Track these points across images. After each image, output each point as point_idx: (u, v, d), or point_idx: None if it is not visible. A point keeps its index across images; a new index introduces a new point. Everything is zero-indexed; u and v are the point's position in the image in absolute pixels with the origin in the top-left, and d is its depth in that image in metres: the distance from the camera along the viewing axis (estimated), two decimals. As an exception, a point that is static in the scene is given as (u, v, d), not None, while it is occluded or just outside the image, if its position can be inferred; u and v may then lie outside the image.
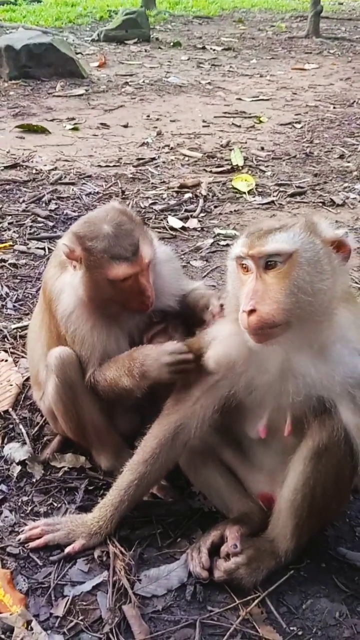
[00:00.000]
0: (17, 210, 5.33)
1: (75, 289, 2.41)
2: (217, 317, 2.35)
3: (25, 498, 2.54)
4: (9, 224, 5.07)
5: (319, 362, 2.00)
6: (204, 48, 14.86)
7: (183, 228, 5.12)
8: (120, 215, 2.41)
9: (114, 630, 2.01)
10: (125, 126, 8.08)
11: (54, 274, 2.52)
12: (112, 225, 2.35)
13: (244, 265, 1.99)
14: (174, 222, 5.19)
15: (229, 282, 2.13)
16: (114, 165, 6.56)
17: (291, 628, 2.07)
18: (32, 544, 2.30)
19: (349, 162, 6.85)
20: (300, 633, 2.06)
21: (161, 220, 5.24)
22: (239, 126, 8.22)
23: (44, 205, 5.45)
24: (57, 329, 2.50)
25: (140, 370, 2.27)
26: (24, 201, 5.51)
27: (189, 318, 2.54)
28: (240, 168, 6.51)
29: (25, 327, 3.63)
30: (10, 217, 5.20)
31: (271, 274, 1.92)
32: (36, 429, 2.91)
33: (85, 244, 2.33)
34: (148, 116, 8.61)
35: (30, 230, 4.97)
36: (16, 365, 3.32)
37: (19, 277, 4.27)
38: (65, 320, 2.45)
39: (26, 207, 5.38)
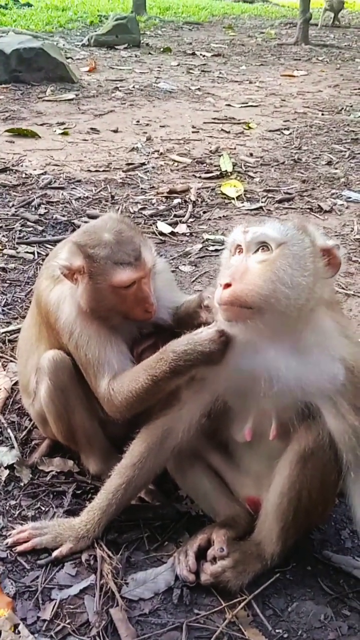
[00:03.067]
0: (7, 214, 5.33)
1: (75, 300, 2.37)
2: (210, 309, 2.28)
3: (13, 502, 2.54)
4: (-2, 228, 5.08)
5: (296, 363, 2.02)
6: (193, 54, 14.94)
7: (172, 233, 5.14)
8: (119, 223, 2.41)
9: (101, 633, 2.02)
10: (115, 131, 8.11)
11: (48, 285, 2.49)
12: (112, 233, 2.34)
13: (238, 250, 2.04)
14: (163, 227, 5.21)
15: (219, 275, 2.15)
16: (103, 170, 6.58)
17: (277, 630, 2.08)
18: (19, 548, 2.31)
19: (336, 168, 6.91)
20: (285, 635, 2.07)
21: (150, 225, 5.26)
22: (228, 132, 8.27)
23: (33, 209, 5.45)
24: (57, 340, 2.47)
25: (186, 365, 2.12)
26: (13, 205, 5.51)
27: (177, 333, 2.50)
28: (229, 174, 6.56)
29: (13, 332, 3.64)
30: (-1, 221, 5.20)
31: (257, 259, 1.97)
32: (24, 433, 2.91)
33: (87, 252, 2.30)
34: (138, 121, 8.64)
35: (19, 234, 4.97)
36: (4, 370, 3.33)
37: (7, 282, 4.27)
38: (69, 327, 2.38)
39: (15, 212, 5.38)
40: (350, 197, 6.05)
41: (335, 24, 22.57)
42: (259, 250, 1.98)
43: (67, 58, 12.28)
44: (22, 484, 2.63)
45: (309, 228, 2.05)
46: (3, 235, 4.93)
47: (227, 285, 1.93)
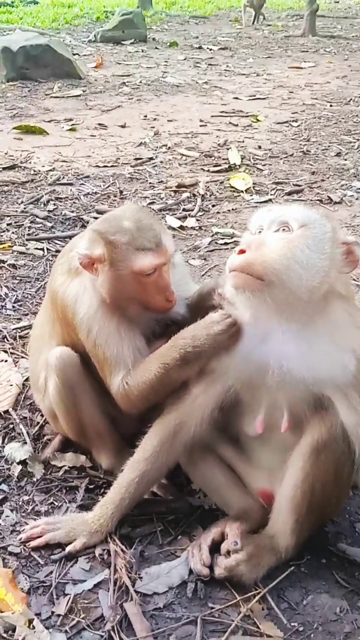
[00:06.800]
0: (16, 211, 5.34)
1: (96, 290, 2.35)
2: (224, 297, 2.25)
3: (26, 497, 2.55)
4: (7, 225, 5.08)
5: (305, 351, 2.01)
6: (200, 48, 14.87)
7: (181, 227, 5.13)
8: (138, 212, 2.41)
9: (115, 628, 2.02)
10: (123, 126, 8.09)
11: (64, 281, 2.46)
12: (132, 220, 2.33)
13: (259, 231, 2.06)
14: (172, 221, 5.20)
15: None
16: (111, 166, 6.57)
17: (292, 624, 2.08)
18: (33, 543, 2.31)
19: (345, 159, 6.86)
20: (301, 629, 2.06)
21: (159, 219, 5.24)
22: (236, 125, 8.23)
23: (42, 206, 5.45)
24: (72, 337, 2.46)
25: (195, 352, 2.15)
26: (22, 202, 5.51)
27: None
28: (238, 167, 6.52)
29: (24, 328, 3.64)
30: (8, 218, 5.20)
31: (277, 237, 1.98)
32: (36, 428, 2.91)
33: (108, 239, 2.29)
34: (145, 116, 8.62)
35: (28, 231, 4.98)
36: (16, 366, 3.33)
37: (18, 278, 4.27)
38: (88, 324, 2.35)
39: (24, 208, 5.38)
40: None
41: (256, 22, 19.51)
42: (280, 230, 1.99)
43: (74, 54, 12.26)
44: (34, 480, 2.63)
45: (333, 219, 2.08)
46: (12, 232, 4.94)
47: (242, 252, 1.94)
